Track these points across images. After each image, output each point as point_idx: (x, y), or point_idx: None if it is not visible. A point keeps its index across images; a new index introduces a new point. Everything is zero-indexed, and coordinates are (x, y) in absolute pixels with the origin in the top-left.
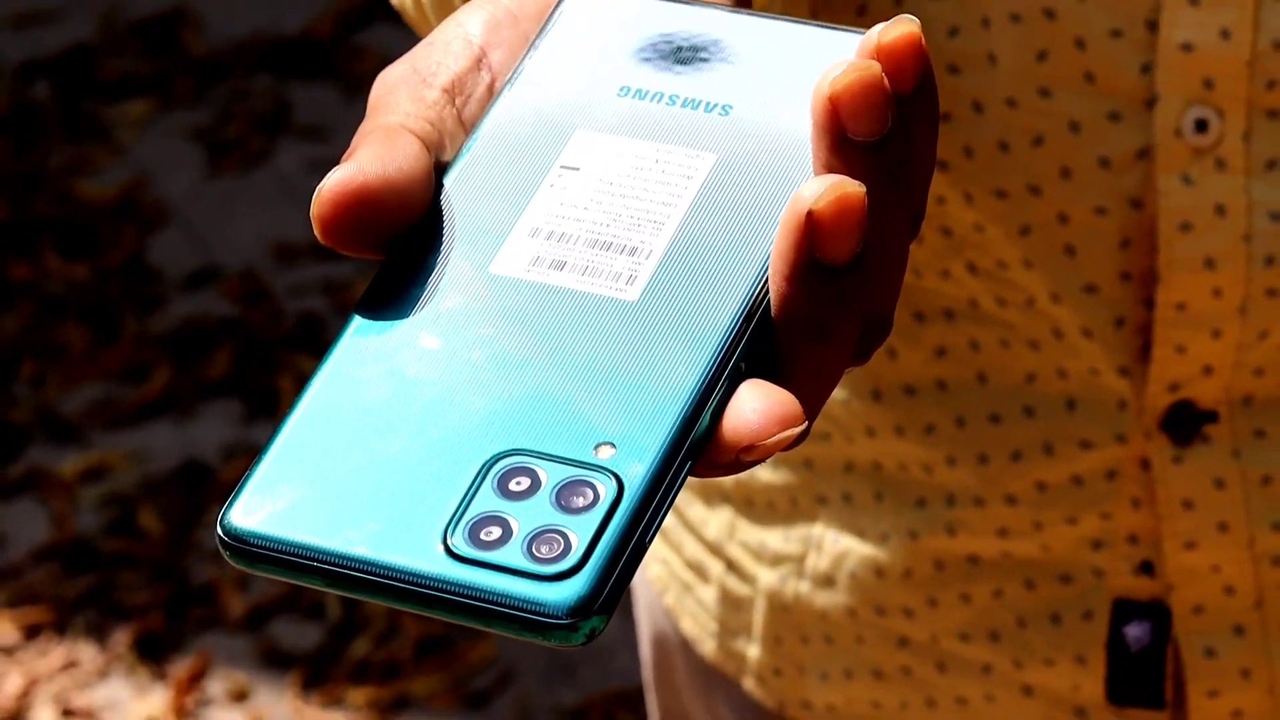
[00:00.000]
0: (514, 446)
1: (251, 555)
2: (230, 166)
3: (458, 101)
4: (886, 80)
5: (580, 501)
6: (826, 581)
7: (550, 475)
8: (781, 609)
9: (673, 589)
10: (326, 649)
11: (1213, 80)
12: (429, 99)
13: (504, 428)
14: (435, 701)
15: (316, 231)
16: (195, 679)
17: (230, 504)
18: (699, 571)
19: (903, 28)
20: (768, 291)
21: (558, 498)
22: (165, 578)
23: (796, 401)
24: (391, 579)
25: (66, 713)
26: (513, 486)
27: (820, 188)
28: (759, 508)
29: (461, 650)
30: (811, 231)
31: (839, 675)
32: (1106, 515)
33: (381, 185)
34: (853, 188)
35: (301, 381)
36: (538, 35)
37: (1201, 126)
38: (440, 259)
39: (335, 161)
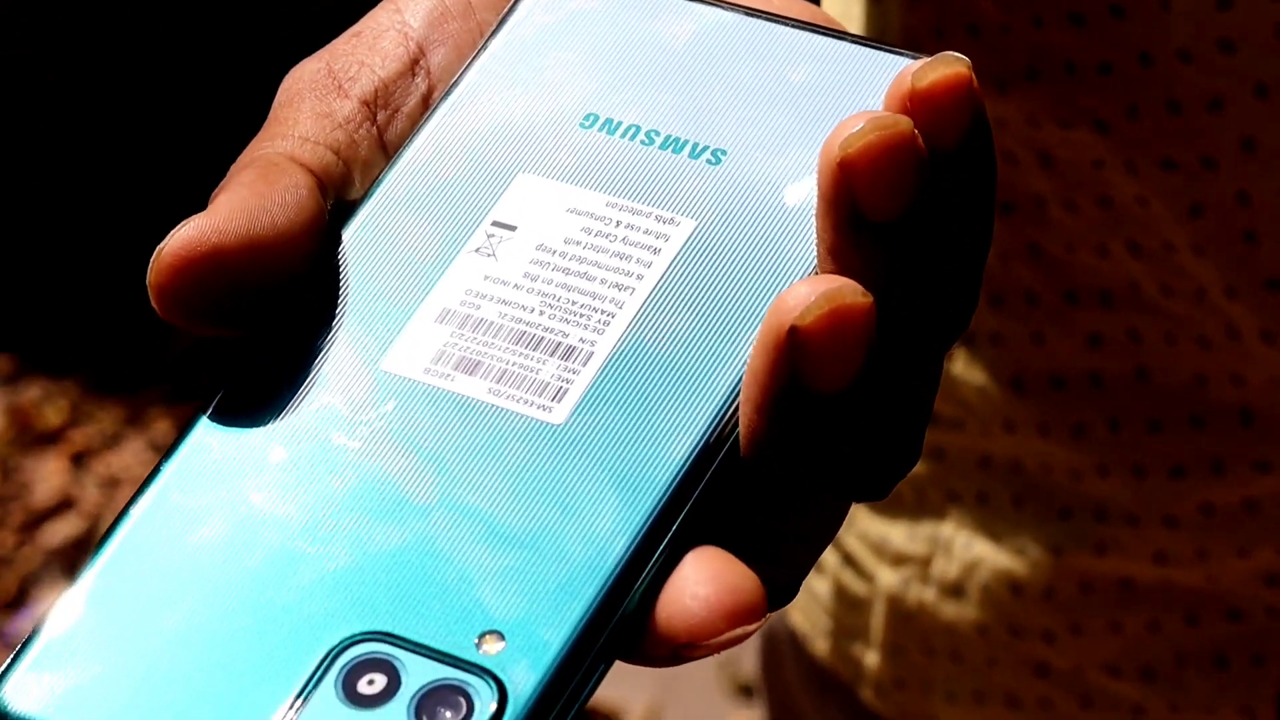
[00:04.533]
0: (370, 628)
1: None
2: None
3: (380, 118)
4: (920, 140)
5: (446, 716)
6: (955, 591)
7: (412, 674)
8: (903, 616)
9: None
10: None
11: None
12: (340, 115)
13: (361, 601)
14: None
15: (154, 303)
16: None
17: (4, 674)
18: None
19: (946, 68)
20: (736, 423)
21: (419, 709)
22: None
23: (758, 584)
24: None
25: None
26: (362, 688)
27: (809, 295)
28: None
29: None
30: (795, 353)
31: (968, 697)
32: None
33: (242, 248)
34: (853, 298)
35: None
36: (491, 32)
37: None
38: (319, 346)
39: None
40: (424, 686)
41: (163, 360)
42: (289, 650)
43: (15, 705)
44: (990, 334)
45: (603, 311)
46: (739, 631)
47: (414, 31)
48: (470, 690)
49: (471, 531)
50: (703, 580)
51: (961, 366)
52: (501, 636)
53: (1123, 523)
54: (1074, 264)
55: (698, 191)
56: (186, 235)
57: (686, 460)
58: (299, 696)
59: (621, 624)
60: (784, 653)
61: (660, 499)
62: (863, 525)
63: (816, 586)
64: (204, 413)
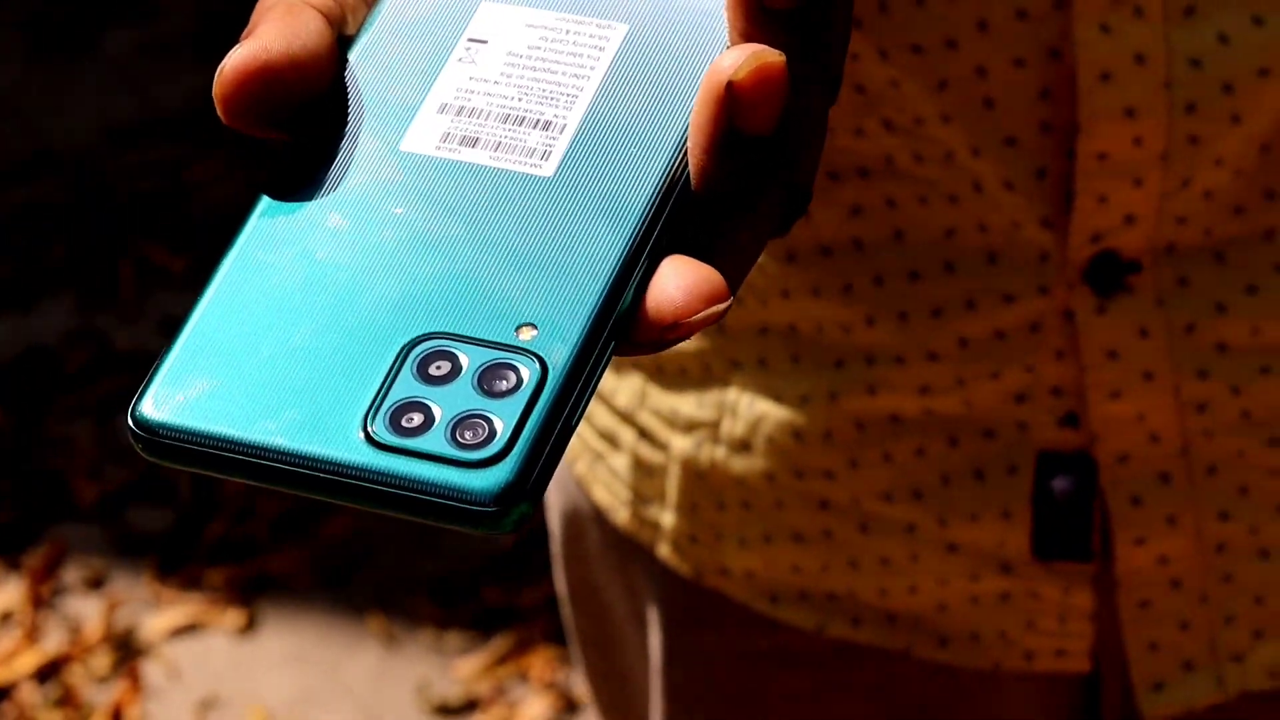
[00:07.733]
0: (432, 329)
1: (164, 448)
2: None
3: None
4: None
5: (503, 385)
6: (743, 447)
7: (471, 358)
8: (696, 476)
9: (584, 458)
10: (181, 532)
11: None
12: None
13: (421, 310)
14: (295, 579)
15: (220, 111)
16: (50, 568)
17: (141, 395)
18: (610, 440)
19: None
20: (687, 165)
21: (480, 381)
22: (15, 469)
23: (720, 277)
24: (311, 469)
25: None
26: (433, 371)
27: (740, 57)
28: (670, 374)
29: (320, 526)
30: (731, 102)
31: (758, 540)
32: (1030, 368)
33: (285, 62)
34: (773, 57)
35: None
36: None
37: None
38: (348, 137)
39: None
40: (481, 365)
41: None
42: (372, 350)
43: (152, 415)
44: None
45: (568, 95)
46: (713, 310)
47: None
48: (519, 365)
49: (498, 255)
50: (680, 274)
51: None
52: (535, 327)
53: (890, 363)
54: (834, 146)
55: (626, 3)
56: (243, 54)
57: (654, 192)
58: (385, 381)
59: (621, 316)
60: (585, 530)
61: (639, 220)
62: (655, 401)
63: (615, 463)
64: (264, 193)
